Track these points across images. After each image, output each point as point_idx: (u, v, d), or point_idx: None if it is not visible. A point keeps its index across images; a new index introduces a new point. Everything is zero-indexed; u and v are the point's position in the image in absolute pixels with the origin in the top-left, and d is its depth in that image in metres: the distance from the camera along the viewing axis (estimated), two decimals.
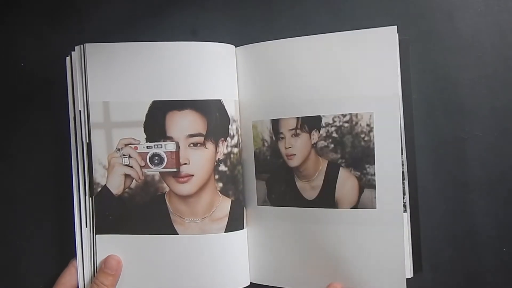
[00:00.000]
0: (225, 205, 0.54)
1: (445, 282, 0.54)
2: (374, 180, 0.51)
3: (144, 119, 0.53)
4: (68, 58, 0.53)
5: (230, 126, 0.54)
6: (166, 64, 0.53)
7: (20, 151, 0.56)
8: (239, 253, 0.54)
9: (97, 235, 0.53)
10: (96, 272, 0.53)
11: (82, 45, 0.53)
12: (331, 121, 0.52)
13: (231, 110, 0.54)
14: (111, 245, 0.53)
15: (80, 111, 0.53)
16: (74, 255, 0.54)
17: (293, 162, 0.54)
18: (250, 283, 0.55)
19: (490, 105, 0.55)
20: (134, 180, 0.53)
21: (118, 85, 0.53)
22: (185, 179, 0.53)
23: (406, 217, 0.53)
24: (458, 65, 0.55)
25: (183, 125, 0.53)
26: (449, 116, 0.55)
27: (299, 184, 0.54)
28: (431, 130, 0.55)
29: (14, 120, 0.56)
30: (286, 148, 0.54)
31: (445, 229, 0.55)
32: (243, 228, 0.54)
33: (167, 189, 0.53)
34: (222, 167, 0.53)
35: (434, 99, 0.55)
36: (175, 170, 0.53)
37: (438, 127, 0.55)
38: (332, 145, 0.53)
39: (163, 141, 0.53)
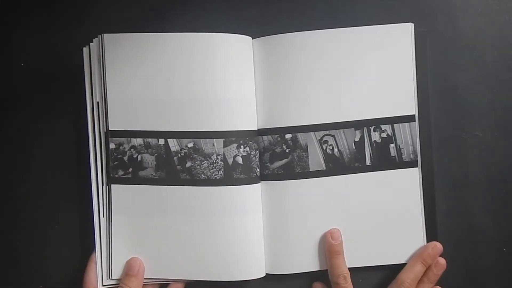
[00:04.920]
0: None
1: (445, 282, 0.54)
2: None
3: None
4: (85, 49, 0.54)
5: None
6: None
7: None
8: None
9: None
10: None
11: (101, 36, 0.53)
12: None
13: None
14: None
15: (98, 102, 0.53)
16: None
17: None
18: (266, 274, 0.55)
19: (490, 105, 0.55)
20: None
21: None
22: None
23: None
24: (458, 65, 0.56)
25: None
26: (449, 116, 0.55)
27: None
28: (432, 130, 0.55)
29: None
30: None
31: (445, 229, 0.55)
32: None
33: None
34: None
35: (434, 99, 0.55)
36: None
37: (438, 127, 0.55)
38: None
39: None
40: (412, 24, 0.53)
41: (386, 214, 0.54)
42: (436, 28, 0.56)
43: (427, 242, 0.54)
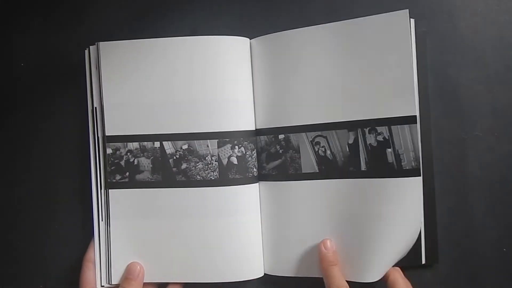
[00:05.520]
0: None
1: (445, 282, 0.54)
2: None
3: None
4: (86, 52, 0.54)
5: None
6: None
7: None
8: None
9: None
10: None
11: (97, 44, 0.53)
12: None
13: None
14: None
15: (95, 107, 0.54)
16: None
17: None
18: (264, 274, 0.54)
19: (490, 105, 0.55)
20: None
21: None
22: None
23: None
24: (458, 65, 0.55)
25: None
26: (449, 116, 0.55)
27: None
28: (431, 130, 0.55)
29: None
30: None
31: (445, 229, 0.55)
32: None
33: None
34: None
35: (434, 99, 0.55)
36: None
37: (438, 127, 0.55)
38: None
39: None
40: (408, 11, 0.49)
41: (383, 224, 0.50)
42: (436, 28, 0.56)
43: (426, 249, 0.52)
